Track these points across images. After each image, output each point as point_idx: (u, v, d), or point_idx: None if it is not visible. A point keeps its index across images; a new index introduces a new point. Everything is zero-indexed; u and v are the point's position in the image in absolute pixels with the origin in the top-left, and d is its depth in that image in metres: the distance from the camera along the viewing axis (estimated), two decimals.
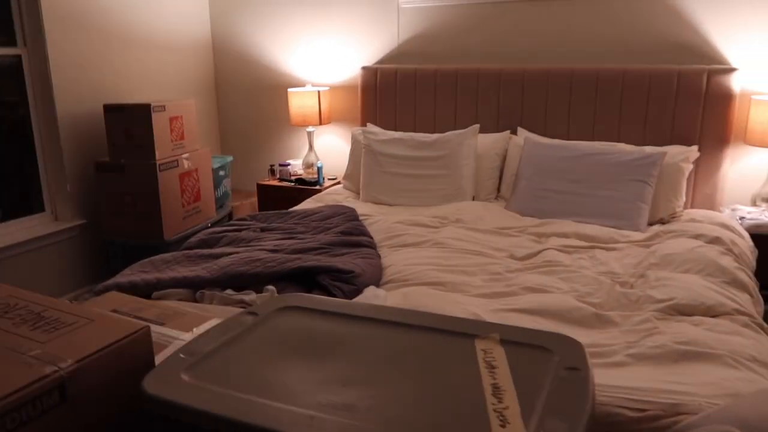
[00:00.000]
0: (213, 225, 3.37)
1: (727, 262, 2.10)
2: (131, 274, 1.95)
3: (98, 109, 3.27)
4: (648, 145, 2.91)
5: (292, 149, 3.97)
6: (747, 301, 1.87)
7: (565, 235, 2.43)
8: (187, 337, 1.45)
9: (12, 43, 2.98)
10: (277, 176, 3.70)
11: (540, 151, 2.87)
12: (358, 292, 1.81)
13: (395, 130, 3.42)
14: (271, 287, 1.76)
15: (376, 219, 2.67)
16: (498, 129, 3.22)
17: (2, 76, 3.00)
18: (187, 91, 3.89)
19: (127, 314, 1.58)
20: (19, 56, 3.01)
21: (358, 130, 3.40)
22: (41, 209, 3.19)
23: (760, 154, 2.87)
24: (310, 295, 1.49)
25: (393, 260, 2.15)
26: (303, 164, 3.68)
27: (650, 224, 2.64)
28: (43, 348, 1.20)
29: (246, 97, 4.03)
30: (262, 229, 2.35)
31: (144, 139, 3.02)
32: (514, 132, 3.18)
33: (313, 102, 3.55)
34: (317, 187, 3.51)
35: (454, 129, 3.27)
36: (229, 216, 3.65)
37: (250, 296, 1.72)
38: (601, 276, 2.03)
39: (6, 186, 3.08)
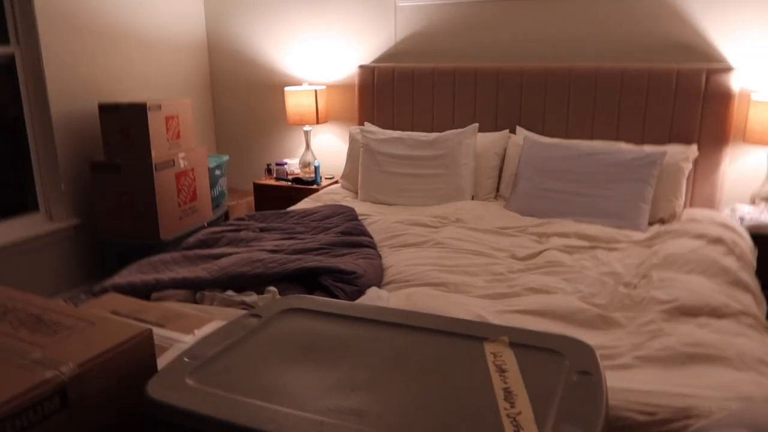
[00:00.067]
0: (209, 225, 3.34)
1: (730, 262, 2.09)
2: (129, 274, 1.92)
3: (93, 109, 3.23)
4: (647, 144, 2.90)
5: (288, 148, 3.95)
6: (750, 302, 1.87)
7: (566, 235, 2.42)
8: (189, 339, 1.43)
9: (5, 41, 2.94)
10: (274, 175, 3.67)
11: (539, 151, 2.86)
12: (361, 293, 1.79)
13: (393, 129, 3.40)
14: (272, 288, 1.74)
15: (376, 219, 2.65)
16: (496, 128, 3.20)
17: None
18: (182, 90, 3.85)
19: (127, 316, 1.55)
20: (12, 55, 2.97)
21: (356, 129, 3.38)
22: (35, 209, 3.15)
23: (759, 153, 2.87)
24: (313, 296, 1.46)
25: (394, 261, 2.13)
26: (300, 163, 3.65)
27: (650, 224, 2.64)
28: (44, 352, 1.17)
29: (242, 96, 4.00)
30: (261, 229, 2.32)
31: (140, 138, 2.99)
32: (512, 131, 3.17)
33: (309, 101, 3.52)
34: (314, 186, 3.48)
35: (452, 128, 3.25)
36: (226, 216, 3.62)
37: (251, 297, 1.70)
38: (604, 276, 2.02)
39: None
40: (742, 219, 2.65)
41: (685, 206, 2.86)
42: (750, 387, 1.34)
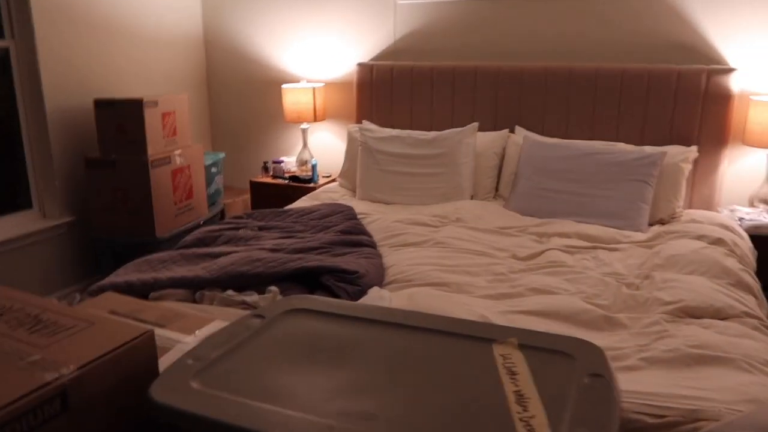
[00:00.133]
0: (205, 223, 3.31)
1: (732, 263, 2.09)
2: (126, 273, 1.89)
3: (88, 104, 3.19)
4: (647, 144, 2.90)
5: (285, 146, 3.91)
6: (753, 303, 1.86)
7: (567, 235, 2.40)
8: (190, 340, 1.40)
9: None
10: (271, 173, 3.64)
11: (539, 151, 2.85)
12: (363, 293, 1.77)
13: (391, 127, 3.38)
14: (273, 288, 1.71)
15: (375, 218, 2.63)
16: (496, 127, 3.19)
17: None
18: (178, 86, 3.81)
19: (126, 316, 1.52)
20: (6, 48, 2.92)
21: (354, 127, 3.35)
22: (28, 206, 3.10)
23: (758, 155, 2.87)
24: (317, 297, 1.44)
25: (395, 260, 2.11)
26: (297, 161, 3.62)
27: (650, 225, 2.63)
28: (43, 353, 1.14)
29: (239, 93, 3.96)
30: (260, 228, 2.29)
31: (136, 134, 2.95)
32: (512, 131, 3.15)
33: (307, 98, 3.49)
34: (312, 184, 3.45)
35: (451, 127, 3.23)
36: (222, 214, 3.59)
37: (252, 297, 1.67)
38: (606, 277, 2.01)
39: None
40: (741, 220, 2.65)
41: (684, 207, 2.86)
42: (758, 389, 1.33)
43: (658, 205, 2.67)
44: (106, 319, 1.29)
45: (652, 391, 1.33)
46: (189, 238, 2.22)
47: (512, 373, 1.13)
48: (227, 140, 4.07)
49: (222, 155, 3.64)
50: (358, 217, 2.59)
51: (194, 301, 1.75)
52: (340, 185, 3.29)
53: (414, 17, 3.38)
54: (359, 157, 3.14)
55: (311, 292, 1.78)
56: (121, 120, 2.96)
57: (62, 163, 3.10)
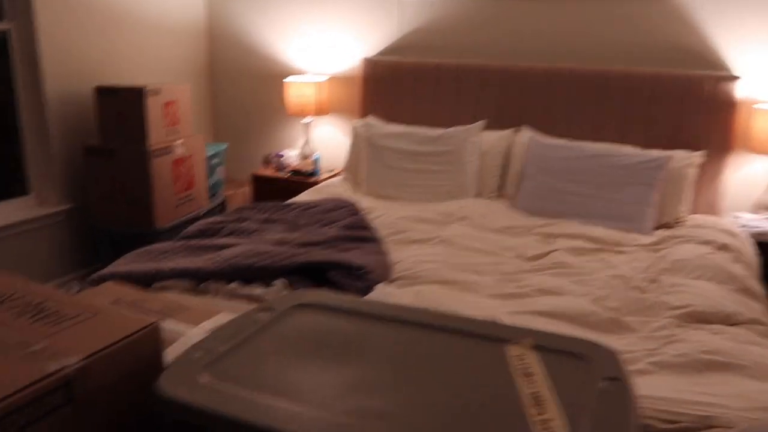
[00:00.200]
0: (206, 214, 3.27)
1: (738, 269, 2.08)
2: (127, 263, 1.86)
3: (88, 90, 3.14)
4: (652, 148, 2.88)
5: (288, 139, 3.88)
6: (761, 310, 1.85)
7: (573, 237, 2.39)
8: (196, 332, 1.37)
9: None
10: (273, 166, 3.60)
11: (545, 151, 2.83)
12: (370, 289, 1.75)
13: (396, 123, 3.35)
14: (280, 282, 1.68)
15: (379, 214, 2.60)
16: (501, 126, 3.16)
17: None
18: (180, 76, 3.77)
19: (129, 306, 1.49)
20: (5, 31, 2.87)
21: (359, 122, 3.32)
22: (25, 192, 3.05)
23: (761, 162, 2.86)
24: (327, 292, 1.42)
25: (400, 257, 2.09)
26: (299, 155, 3.59)
27: (655, 228, 2.62)
28: (47, 343, 1.10)
29: (241, 85, 3.92)
30: (264, 221, 2.26)
31: (137, 123, 2.91)
32: (517, 130, 3.13)
33: (311, 92, 3.46)
34: (313, 178, 3.42)
35: (456, 125, 3.21)
36: (222, 205, 3.55)
37: (258, 290, 1.64)
38: (613, 279, 1.99)
39: None
40: (745, 227, 2.64)
41: (688, 212, 2.85)
42: None
43: (663, 209, 2.66)
44: (109, 310, 1.26)
45: (663, 396, 1.32)
46: (191, 229, 2.19)
47: (527, 375, 1.11)
48: (229, 132, 4.03)
49: (224, 146, 3.60)
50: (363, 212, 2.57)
51: (197, 294, 1.72)
52: (344, 180, 3.26)
53: (419, 13, 3.35)
54: (364, 152, 3.11)
55: (317, 287, 1.75)
56: (122, 108, 2.92)
57: (61, 150, 3.05)
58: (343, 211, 2.39)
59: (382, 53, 3.48)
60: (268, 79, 3.82)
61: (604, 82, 2.93)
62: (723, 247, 2.26)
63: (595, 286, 1.92)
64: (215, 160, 3.50)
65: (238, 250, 1.80)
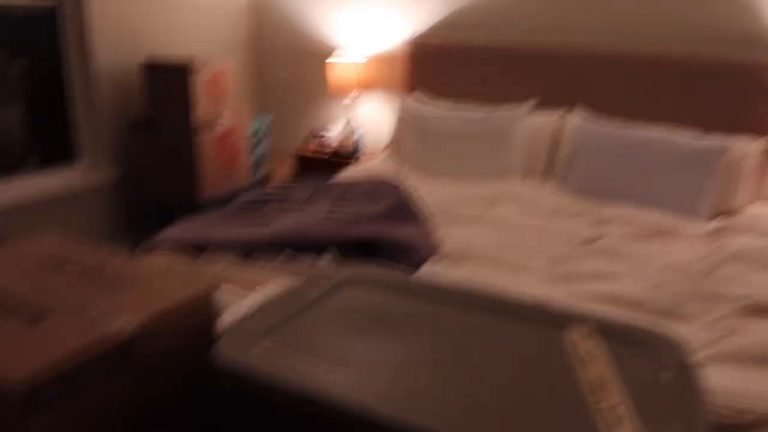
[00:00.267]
0: (250, 187, 3.29)
1: None
2: (178, 232, 1.87)
3: (135, 64, 3.16)
4: (711, 134, 2.76)
5: (331, 116, 3.86)
6: None
7: (625, 221, 2.31)
8: (248, 302, 1.37)
9: None
10: (316, 142, 3.59)
11: (598, 134, 2.74)
12: (418, 266, 1.72)
13: (442, 100, 3.28)
14: (331, 252, 1.67)
15: (424, 192, 2.56)
16: (552, 107, 3.07)
17: (39, 27, 2.90)
18: (225, 49, 3.77)
19: (183, 272, 1.50)
20: (54, 6, 2.89)
21: (404, 101, 3.27)
22: (73, 162, 3.11)
23: None
24: (377, 268, 1.40)
25: (447, 236, 2.05)
26: (341, 133, 3.56)
27: (712, 217, 2.52)
28: (105, 305, 1.11)
29: (285, 60, 3.90)
30: (311, 195, 2.25)
31: (182, 97, 2.93)
32: (569, 111, 3.04)
33: (354, 72, 3.41)
34: (356, 156, 3.40)
35: (504, 105, 3.13)
36: (266, 179, 3.56)
37: (307, 262, 1.63)
38: (668, 267, 1.92)
39: (38, 138, 3.00)
40: None
41: (747, 202, 2.73)
42: None
43: (721, 198, 2.54)
44: (167, 273, 1.26)
45: (725, 388, 1.26)
46: (238, 201, 2.19)
47: (586, 361, 1.07)
48: (274, 105, 4.03)
49: (269, 118, 3.59)
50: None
51: (247, 264, 1.72)
52: (388, 158, 3.22)
53: None
54: (409, 131, 3.07)
55: (365, 261, 1.73)
56: (168, 82, 2.94)
57: (109, 121, 3.10)
58: (389, 189, 2.36)
59: (430, 31, 3.41)
60: (312, 56, 3.79)
61: (664, 66, 2.81)
62: None
63: (650, 272, 1.85)
64: (260, 133, 3.51)
65: (288, 222, 1.80)
